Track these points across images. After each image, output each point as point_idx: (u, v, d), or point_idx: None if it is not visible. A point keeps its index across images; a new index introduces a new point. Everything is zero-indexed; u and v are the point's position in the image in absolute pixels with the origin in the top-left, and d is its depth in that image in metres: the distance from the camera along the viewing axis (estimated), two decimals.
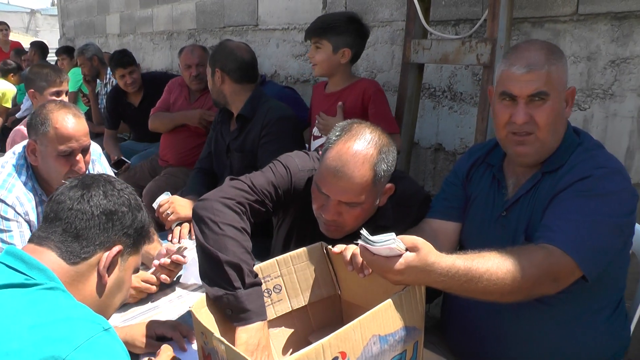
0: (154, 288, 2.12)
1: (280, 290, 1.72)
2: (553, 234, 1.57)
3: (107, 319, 1.37)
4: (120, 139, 5.60)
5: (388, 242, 1.36)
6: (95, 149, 2.58)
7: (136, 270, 1.53)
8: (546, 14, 2.70)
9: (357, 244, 1.46)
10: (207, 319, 1.51)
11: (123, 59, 4.88)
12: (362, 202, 1.80)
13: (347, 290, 1.77)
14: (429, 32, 2.91)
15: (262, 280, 1.67)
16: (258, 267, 1.67)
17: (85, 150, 2.32)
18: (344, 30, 2.89)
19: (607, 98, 2.54)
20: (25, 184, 2.31)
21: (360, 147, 1.77)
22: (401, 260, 1.37)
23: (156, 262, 2.15)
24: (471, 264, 1.44)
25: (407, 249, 1.39)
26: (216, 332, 1.35)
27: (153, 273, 2.15)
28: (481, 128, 2.47)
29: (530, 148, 1.74)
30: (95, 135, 5.35)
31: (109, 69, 5.89)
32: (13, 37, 10.73)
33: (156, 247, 2.34)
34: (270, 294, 1.70)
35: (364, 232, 1.41)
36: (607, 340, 1.77)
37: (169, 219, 2.66)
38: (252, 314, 1.60)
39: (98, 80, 6.09)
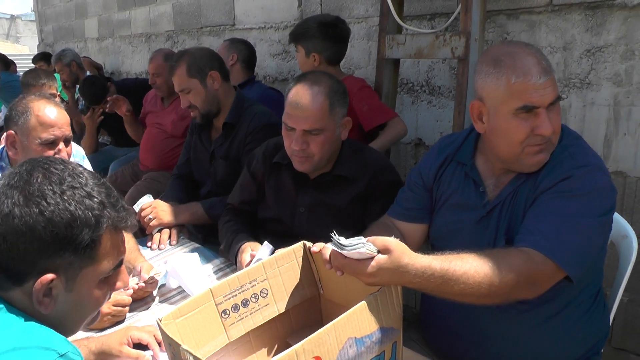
0: (126, 310, 2.02)
1: (267, 294, 1.67)
2: (533, 237, 1.54)
3: (76, 332, 1.29)
4: (102, 144, 5.56)
5: (358, 247, 1.34)
6: (78, 150, 2.55)
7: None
8: (521, 5, 2.70)
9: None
10: (175, 331, 1.46)
11: (96, 96, 4.85)
12: (323, 128, 2.09)
13: (328, 289, 1.74)
14: (403, 28, 2.89)
15: (249, 285, 1.63)
16: (245, 271, 1.63)
17: (67, 141, 2.28)
18: (313, 35, 2.97)
19: (584, 87, 2.54)
20: None
21: (314, 82, 2.11)
22: (373, 263, 1.34)
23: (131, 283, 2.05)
24: (448, 266, 1.41)
25: (379, 251, 1.36)
26: (183, 344, 1.31)
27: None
28: (458, 122, 2.46)
29: (547, 154, 1.66)
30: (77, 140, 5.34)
31: (87, 73, 5.84)
32: None
33: (137, 258, 2.28)
34: (258, 299, 1.65)
35: (334, 236, 1.39)
36: (587, 332, 1.76)
37: (150, 224, 2.64)
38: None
39: (77, 86, 6.02)
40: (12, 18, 39.82)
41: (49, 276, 1.11)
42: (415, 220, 1.94)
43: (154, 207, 2.67)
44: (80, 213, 1.12)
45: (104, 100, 4.71)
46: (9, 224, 1.08)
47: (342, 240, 1.38)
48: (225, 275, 2.23)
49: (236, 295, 1.59)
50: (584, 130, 2.54)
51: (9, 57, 8.63)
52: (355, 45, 3.63)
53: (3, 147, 2.34)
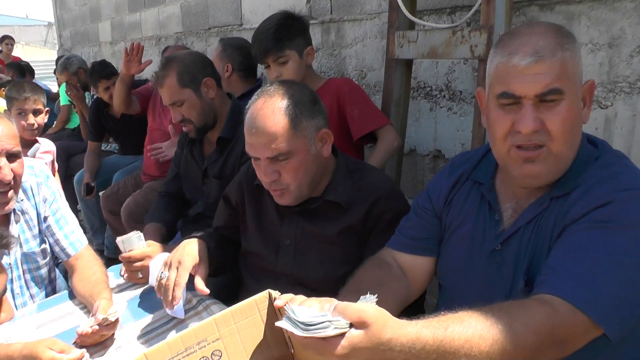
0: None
1: (220, 357, 1.38)
2: (559, 281, 1.21)
3: None
4: (109, 152, 5.38)
5: (322, 327, 1.03)
6: (42, 169, 2.27)
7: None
8: None
9: None
10: None
11: (105, 70, 4.62)
12: (290, 150, 1.77)
13: (300, 349, 1.41)
14: (415, 23, 2.52)
15: (197, 347, 1.37)
16: (192, 330, 1.34)
17: (12, 156, 2.00)
18: (297, 30, 2.64)
19: (634, 93, 2.15)
20: None
21: (268, 99, 1.78)
22: (344, 342, 1.03)
23: (81, 329, 1.77)
24: (444, 335, 1.08)
25: (351, 325, 1.03)
26: None
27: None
28: (478, 135, 2.11)
29: (542, 166, 1.35)
30: (84, 150, 5.19)
31: None
32: (32, 50, 11.00)
33: (101, 292, 1.98)
34: None
35: (289, 310, 1.08)
36: None
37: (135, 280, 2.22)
38: None
39: (87, 93, 5.85)
40: (50, 25, 41.39)
41: None
42: (420, 252, 1.63)
43: (145, 262, 2.20)
44: None
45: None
46: None
47: (301, 315, 1.06)
48: (198, 314, 1.92)
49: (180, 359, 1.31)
50: (633, 145, 2.17)
51: (30, 64, 8.66)
52: (367, 45, 3.30)
53: None
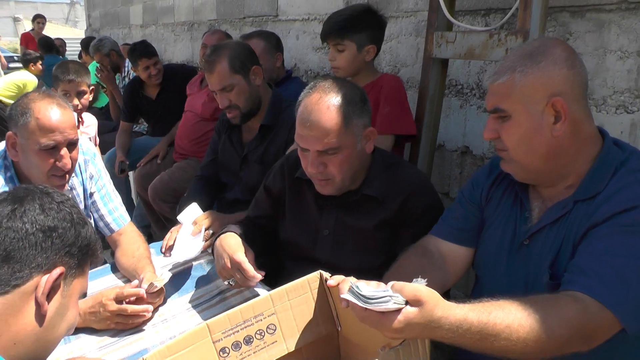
0: (147, 313, 1.89)
1: (275, 330, 1.48)
2: (588, 280, 1.31)
3: (49, 354, 1.26)
4: (138, 133, 5.47)
5: (383, 301, 1.14)
6: (89, 147, 2.38)
7: (83, 296, 1.32)
8: (588, 2, 2.40)
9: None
10: None
11: (147, 49, 4.75)
12: (339, 146, 1.85)
13: (347, 326, 1.53)
14: (453, 24, 2.62)
15: (254, 320, 1.46)
16: (250, 304, 1.44)
17: (72, 145, 2.11)
18: (366, 26, 2.68)
19: None
20: (4, 186, 2.10)
21: (324, 95, 1.86)
22: (400, 317, 1.14)
23: (127, 291, 1.91)
24: (487, 319, 1.20)
25: (407, 302, 1.15)
26: None
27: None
28: None
29: (508, 166, 1.58)
30: (113, 129, 5.31)
31: (127, 61, 5.74)
32: (53, 27, 11.07)
33: (145, 267, 2.11)
34: (264, 336, 1.46)
35: (354, 284, 1.19)
36: None
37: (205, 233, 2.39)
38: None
39: (117, 74, 5.93)
40: (72, 3, 41.37)
41: (60, 269, 1.18)
42: (464, 242, 1.74)
43: (206, 217, 2.44)
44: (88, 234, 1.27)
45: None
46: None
47: (364, 289, 1.17)
48: (240, 292, 2.04)
49: (238, 331, 1.42)
50: None
51: (60, 39, 8.76)
52: (402, 42, 3.38)
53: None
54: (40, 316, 1.17)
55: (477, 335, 1.18)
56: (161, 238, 2.50)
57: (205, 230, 2.38)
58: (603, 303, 1.26)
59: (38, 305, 1.16)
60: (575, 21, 2.48)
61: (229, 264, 1.88)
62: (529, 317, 1.22)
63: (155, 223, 4.32)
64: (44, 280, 1.16)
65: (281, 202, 2.19)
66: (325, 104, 1.84)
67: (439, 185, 3.17)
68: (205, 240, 2.35)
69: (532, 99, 1.44)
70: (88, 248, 1.26)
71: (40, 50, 8.56)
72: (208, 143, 3.67)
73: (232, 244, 1.94)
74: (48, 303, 1.18)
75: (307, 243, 2.10)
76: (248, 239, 2.01)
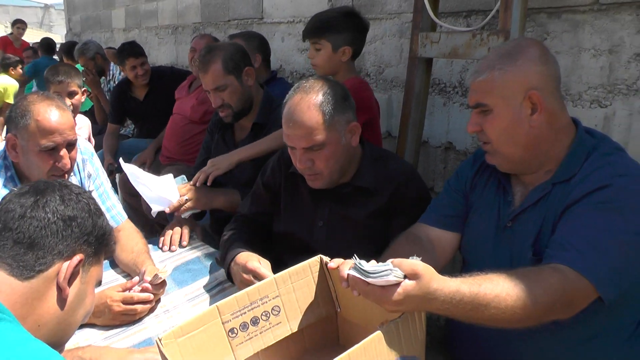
0: (138, 308, 1.95)
1: (279, 312, 1.56)
2: (567, 253, 1.42)
3: (69, 338, 1.35)
4: (125, 136, 5.49)
5: (384, 274, 1.23)
6: (87, 147, 2.43)
7: (98, 284, 1.40)
8: (564, 3, 2.53)
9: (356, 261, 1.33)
10: (176, 352, 1.35)
11: (135, 49, 4.77)
12: (324, 142, 1.95)
13: (346, 308, 1.63)
14: (437, 25, 2.74)
15: (260, 302, 1.54)
16: (256, 287, 1.52)
17: (70, 145, 2.15)
18: (343, 28, 2.78)
19: (631, 94, 2.36)
20: (4, 186, 2.13)
21: (305, 95, 1.96)
22: (399, 290, 1.23)
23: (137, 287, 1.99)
24: (478, 290, 1.30)
25: (405, 276, 1.24)
26: None
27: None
28: None
29: (493, 159, 1.70)
30: (98, 132, 5.30)
31: (112, 64, 5.76)
32: (27, 32, 10.99)
33: (145, 261, 2.17)
34: (269, 317, 1.54)
35: (357, 260, 1.28)
36: None
37: (185, 205, 2.54)
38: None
39: (102, 78, 5.94)
40: (46, 7, 40.70)
41: (80, 256, 1.25)
42: (451, 228, 1.84)
43: (190, 188, 2.57)
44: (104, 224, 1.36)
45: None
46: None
47: (366, 265, 1.26)
48: (225, 291, 2.12)
49: (245, 312, 1.49)
50: (630, 141, 2.37)
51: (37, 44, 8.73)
52: (386, 43, 3.49)
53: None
54: (61, 300, 1.24)
55: (469, 306, 1.28)
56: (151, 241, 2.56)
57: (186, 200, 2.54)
58: (580, 272, 1.37)
59: (60, 290, 1.23)
60: (552, 22, 2.60)
61: (245, 276, 1.92)
62: (515, 287, 1.32)
63: (143, 227, 4.34)
64: (65, 266, 1.23)
65: (278, 196, 2.27)
66: (306, 104, 1.94)
67: (424, 180, 3.19)
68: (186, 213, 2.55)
69: (511, 94, 1.57)
70: (104, 237, 1.34)
71: (41, 50, 8.54)
72: (196, 145, 3.75)
73: (243, 257, 1.99)
74: (69, 288, 1.25)
75: (303, 235, 2.18)
76: (254, 245, 2.09)
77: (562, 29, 2.57)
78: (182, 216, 2.58)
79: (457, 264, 1.98)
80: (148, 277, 1.98)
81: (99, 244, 1.32)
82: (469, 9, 2.95)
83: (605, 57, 2.44)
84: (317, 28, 2.79)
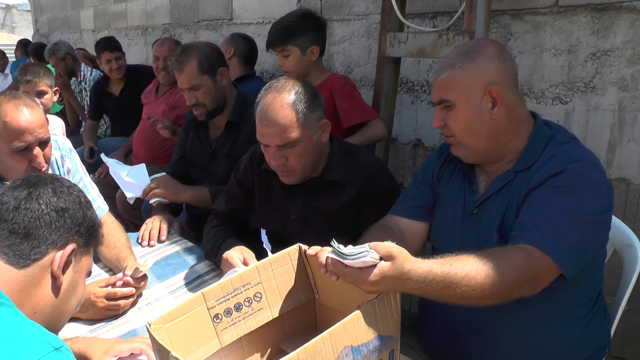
0: (121, 303, 1.99)
1: (261, 298, 1.62)
2: (530, 234, 1.52)
3: (63, 325, 1.40)
4: (97, 137, 5.43)
5: (361, 255, 1.29)
6: (65, 143, 2.43)
7: (88, 274, 1.45)
8: (526, 5, 2.65)
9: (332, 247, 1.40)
10: (165, 336, 1.41)
11: (111, 43, 4.90)
12: (297, 139, 2.01)
13: (324, 294, 1.70)
14: (405, 25, 2.84)
15: (242, 289, 1.60)
16: (238, 275, 1.58)
17: (43, 143, 2.12)
18: (305, 30, 2.89)
19: (588, 91, 2.50)
20: None
21: (277, 94, 2.01)
22: (375, 270, 1.30)
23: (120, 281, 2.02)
24: (449, 269, 1.37)
25: (381, 258, 1.31)
26: (172, 351, 1.25)
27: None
28: None
29: (458, 150, 1.78)
30: (71, 134, 5.31)
31: (82, 65, 5.75)
32: None
33: (127, 257, 2.20)
34: (251, 303, 1.60)
35: (335, 244, 1.35)
36: (587, 338, 1.73)
37: (152, 192, 2.71)
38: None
39: (73, 79, 5.90)
40: (8, 8, 39.68)
41: (72, 246, 1.31)
42: (420, 218, 1.92)
43: (161, 179, 2.72)
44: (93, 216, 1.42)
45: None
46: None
47: (344, 248, 1.33)
48: (218, 275, 2.17)
49: (229, 299, 1.55)
50: (587, 135, 2.50)
51: None
52: (354, 43, 3.58)
53: None
54: (56, 288, 1.30)
55: (441, 284, 1.36)
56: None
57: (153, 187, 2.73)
58: (543, 250, 1.47)
59: (54, 278, 1.29)
60: (515, 23, 2.72)
61: (226, 267, 1.99)
62: (484, 265, 1.41)
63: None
64: (59, 255, 1.28)
65: (252, 193, 2.34)
66: (279, 103, 1.99)
67: (394, 175, 3.34)
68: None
69: (472, 90, 1.67)
70: (93, 229, 1.40)
71: (20, 50, 8.43)
72: (168, 149, 3.79)
73: (229, 251, 2.05)
74: (62, 276, 1.31)
75: (277, 228, 2.26)
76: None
77: (525, 30, 2.68)
78: (150, 202, 2.74)
79: (427, 253, 2.06)
80: (129, 272, 2.02)
81: (89, 234, 1.38)
82: (435, 10, 3.05)
83: (564, 57, 2.56)
84: (282, 35, 2.90)
